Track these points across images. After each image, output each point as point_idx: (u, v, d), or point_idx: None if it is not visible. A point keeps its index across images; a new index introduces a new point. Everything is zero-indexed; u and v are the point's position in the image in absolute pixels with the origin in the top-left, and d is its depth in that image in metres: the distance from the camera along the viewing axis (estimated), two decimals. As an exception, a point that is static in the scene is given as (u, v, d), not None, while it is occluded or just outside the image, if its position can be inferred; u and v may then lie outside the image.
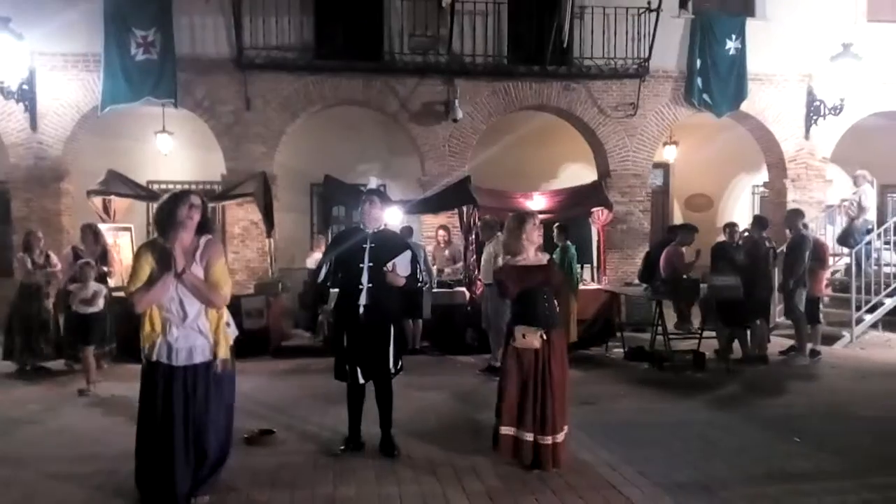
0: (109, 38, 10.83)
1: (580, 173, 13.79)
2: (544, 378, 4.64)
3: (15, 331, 8.16)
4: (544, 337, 4.65)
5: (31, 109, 10.99)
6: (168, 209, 3.95)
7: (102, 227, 9.28)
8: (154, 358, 3.96)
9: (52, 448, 5.33)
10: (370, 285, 4.96)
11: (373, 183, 8.67)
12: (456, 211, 10.86)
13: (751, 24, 12.37)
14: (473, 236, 10.44)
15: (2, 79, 10.34)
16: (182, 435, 3.93)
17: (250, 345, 8.00)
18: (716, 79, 12.23)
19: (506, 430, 4.71)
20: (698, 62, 12.24)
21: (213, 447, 4.08)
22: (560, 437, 4.68)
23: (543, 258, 4.92)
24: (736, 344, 8.92)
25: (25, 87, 10.72)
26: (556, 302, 4.94)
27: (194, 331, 3.98)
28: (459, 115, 11.66)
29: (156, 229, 4.06)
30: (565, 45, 11.79)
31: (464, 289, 10.12)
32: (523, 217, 4.95)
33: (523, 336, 4.65)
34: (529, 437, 4.63)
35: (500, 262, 8.24)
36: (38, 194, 11.17)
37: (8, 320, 8.24)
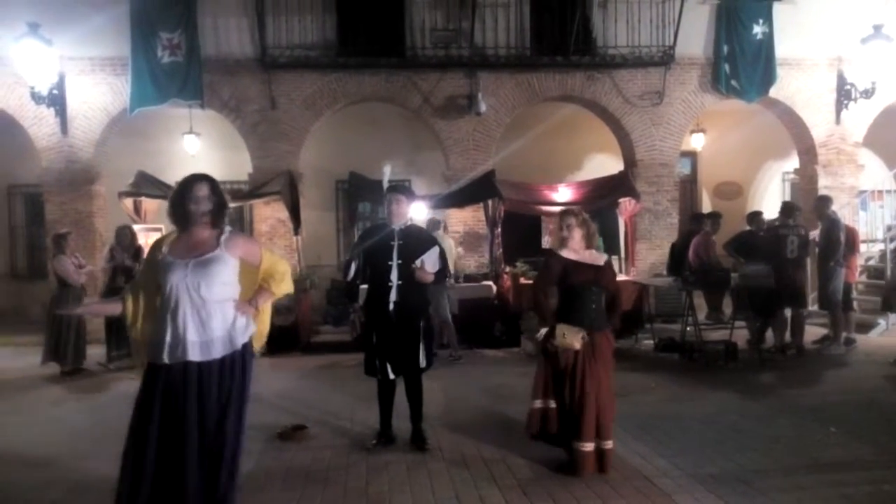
0: (136, 42, 10.95)
1: (606, 164, 13.67)
2: (583, 381, 4.46)
3: (62, 333, 8.30)
4: (586, 338, 4.48)
5: (62, 114, 11.16)
6: (180, 196, 3.54)
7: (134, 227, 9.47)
8: (163, 359, 3.40)
9: (92, 447, 5.45)
10: (400, 282, 4.98)
11: (387, 173, 8.74)
12: (481, 205, 10.87)
13: (778, 8, 12.11)
14: (499, 230, 10.45)
15: (32, 84, 10.52)
16: (196, 451, 3.37)
17: (280, 341, 8.07)
18: (743, 64, 12.00)
19: (536, 405, 4.67)
20: (725, 48, 12.04)
21: (228, 464, 3.47)
22: (609, 444, 4.52)
23: (600, 258, 4.72)
24: (769, 333, 8.81)
25: (55, 91, 10.89)
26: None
27: (214, 319, 3.45)
28: (483, 108, 11.61)
29: (171, 220, 3.62)
30: (593, 34, 11.69)
31: (491, 282, 10.12)
32: (561, 214, 4.84)
33: (563, 335, 4.46)
34: (553, 404, 4.59)
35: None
36: (70, 197, 11.36)
37: (53, 323, 8.34)
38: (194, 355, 3.39)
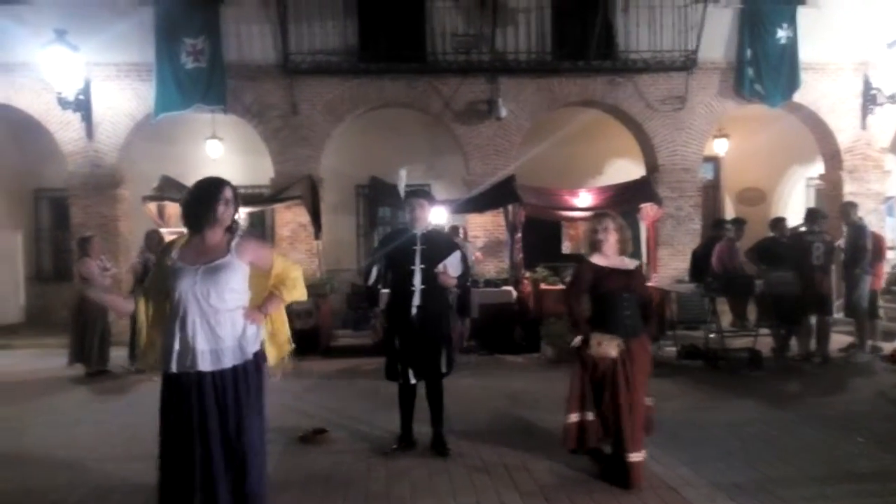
0: (161, 48, 11.12)
1: (628, 169, 13.58)
2: (626, 389, 4.35)
3: (87, 335, 8.41)
4: (622, 346, 4.37)
5: (87, 119, 11.34)
6: (200, 200, 3.45)
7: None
8: (172, 368, 3.32)
9: (115, 448, 5.49)
10: (423, 287, 4.98)
11: (403, 178, 8.76)
12: (501, 210, 10.85)
13: (802, 12, 12.01)
14: (519, 235, 10.42)
15: (59, 89, 10.69)
16: (221, 460, 3.32)
17: (300, 345, 8.05)
18: (767, 69, 11.89)
19: (572, 419, 4.50)
20: (748, 52, 11.93)
21: (256, 471, 3.42)
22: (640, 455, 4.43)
23: (630, 263, 4.61)
24: (794, 341, 8.71)
25: (81, 97, 11.06)
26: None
27: (224, 328, 3.36)
28: (503, 113, 11.62)
29: (185, 223, 3.53)
30: (615, 39, 11.64)
31: (511, 288, 10.08)
32: (597, 216, 4.73)
33: (599, 344, 4.36)
34: (591, 416, 4.46)
35: None
36: (95, 201, 11.53)
37: (78, 325, 8.44)
38: (205, 365, 3.30)
